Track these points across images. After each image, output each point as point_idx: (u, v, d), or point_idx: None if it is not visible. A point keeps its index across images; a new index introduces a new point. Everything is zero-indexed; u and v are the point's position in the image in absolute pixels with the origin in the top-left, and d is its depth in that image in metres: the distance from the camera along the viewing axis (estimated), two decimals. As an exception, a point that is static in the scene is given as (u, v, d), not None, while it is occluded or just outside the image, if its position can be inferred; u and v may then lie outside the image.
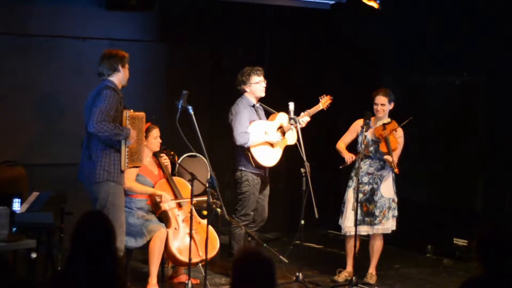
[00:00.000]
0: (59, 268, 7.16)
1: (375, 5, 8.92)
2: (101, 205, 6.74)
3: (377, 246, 8.15)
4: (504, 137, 9.00)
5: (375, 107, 8.04)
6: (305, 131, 8.07)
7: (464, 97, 9.33)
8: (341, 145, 8.19)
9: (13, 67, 8.80)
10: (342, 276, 8.08)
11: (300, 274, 7.86)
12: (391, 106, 8.06)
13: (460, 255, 9.04)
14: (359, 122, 8.10)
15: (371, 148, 8.01)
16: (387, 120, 8.05)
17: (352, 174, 8.07)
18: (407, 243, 9.33)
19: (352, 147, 8.20)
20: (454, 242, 9.17)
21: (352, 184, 8.04)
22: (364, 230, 8.06)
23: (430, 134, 9.57)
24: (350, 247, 8.08)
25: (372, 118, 8.08)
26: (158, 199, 7.58)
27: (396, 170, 7.85)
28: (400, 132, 8.02)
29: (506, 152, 8.97)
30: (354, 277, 7.86)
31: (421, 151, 9.55)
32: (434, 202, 9.51)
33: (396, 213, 8.07)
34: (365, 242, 8.31)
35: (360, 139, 8.04)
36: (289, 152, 8.24)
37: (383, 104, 8.02)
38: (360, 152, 7.90)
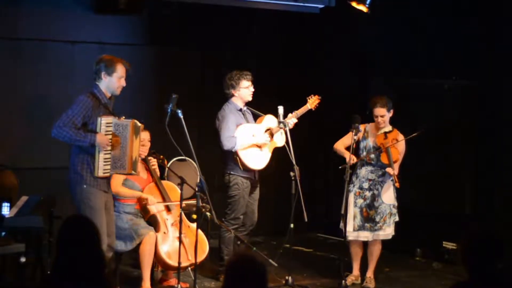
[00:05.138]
0: (48, 272, 7.14)
1: (364, 9, 8.92)
2: (77, 208, 6.79)
3: (376, 251, 8.17)
4: (493, 141, 9.01)
5: (375, 119, 8.01)
6: (294, 134, 8.07)
7: (453, 101, 9.35)
8: (340, 145, 8.12)
9: (1, 71, 8.78)
10: (349, 280, 8.08)
11: (290, 277, 7.86)
12: (390, 114, 8.04)
13: (449, 258, 9.06)
14: (361, 127, 8.05)
15: (372, 156, 7.99)
16: (388, 128, 8.04)
17: (353, 179, 8.06)
18: (397, 246, 9.32)
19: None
20: (444, 245, 9.19)
21: (353, 189, 8.04)
22: (364, 235, 8.06)
23: (418, 138, 9.56)
24: (355, 252, 8.11)
25: (373, 125, 8.08)
26: (143, 202, 7.59)
27: (397, 184, 7.84)
28: (402, 143, 8.00)
29: (495, 156, 8.99)
30: (343, 281, 7.87)
31: (410, 155, 9.53)
32: (423, 206, 9.52)
33: (397, 218, 8.09)
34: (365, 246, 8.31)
35: (361, 145, 8.06)
36: (278, 155, 8.25)
37: (382, 115, 7.99)
38: (366, 158, 7.92)
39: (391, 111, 8.05)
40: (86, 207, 6.76)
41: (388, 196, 8.05)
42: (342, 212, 7.92)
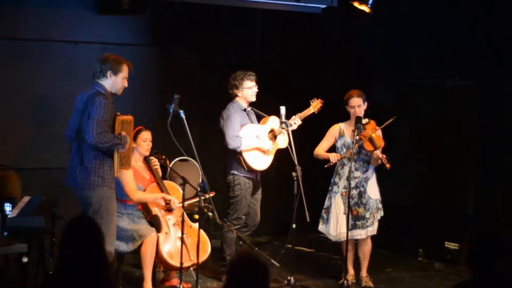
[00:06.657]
0: (50, 272, 7.15)
1: (366, 9, 8.92)
2: (94, 209, 6.68)
3: (367, 249, 8.13)
4: (495, 141, 9.01)
5: (351, 110, 8.02)
6: (296, 134, 8.08)
7: (456, 100, 9.35)
8: (320, 150, 8.16)
9: (4, 71, 8.80)
10: (349, 279, 8.07)
11: (292, 277, 7.86)
12: (365, 106, 8.07)
13: (451, 258, 9.05)
14: (335, 127, 8.16)
15: (354, 150, 7.96)
16: (365, 120, 8.05)
17: (335, 180, 8.07)
18: (399, 246, 9.34)
19: (331, 152, 8.18)
20: (446, 245, 9.18)
21: (339, 189, 8.03)
22: (357, 233, 8.04)
23: (421, 137, 9.60)
24: (350, 252, 8.11)
25: (348, 122, 8.11)
26: (167, 203, 7.58)
27: (387, 165, 7.84)
28: (379, 132, 8.04)
29: (497, 156, 8.99)
30: (345, 281, 7.87)
31: (412, 154, 9.57)
32: (426, 206, 9.53)
33: (382, 213, 8.09)
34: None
35: (339, 143, 8.06)
36: (281, 156, 8.25)
37: (359, 105, 8.02)
38: (348, 155, 7.91)
39: (366, 103, 8.06)
40: (104, 209, 6.72)
41: (374, 192, 8.06)
42: (344, 213, 7.91)
